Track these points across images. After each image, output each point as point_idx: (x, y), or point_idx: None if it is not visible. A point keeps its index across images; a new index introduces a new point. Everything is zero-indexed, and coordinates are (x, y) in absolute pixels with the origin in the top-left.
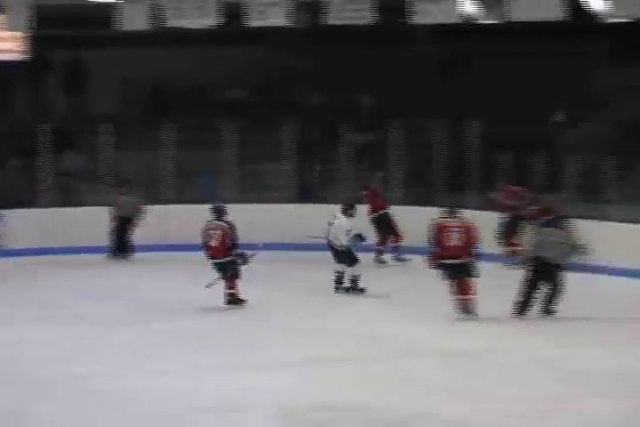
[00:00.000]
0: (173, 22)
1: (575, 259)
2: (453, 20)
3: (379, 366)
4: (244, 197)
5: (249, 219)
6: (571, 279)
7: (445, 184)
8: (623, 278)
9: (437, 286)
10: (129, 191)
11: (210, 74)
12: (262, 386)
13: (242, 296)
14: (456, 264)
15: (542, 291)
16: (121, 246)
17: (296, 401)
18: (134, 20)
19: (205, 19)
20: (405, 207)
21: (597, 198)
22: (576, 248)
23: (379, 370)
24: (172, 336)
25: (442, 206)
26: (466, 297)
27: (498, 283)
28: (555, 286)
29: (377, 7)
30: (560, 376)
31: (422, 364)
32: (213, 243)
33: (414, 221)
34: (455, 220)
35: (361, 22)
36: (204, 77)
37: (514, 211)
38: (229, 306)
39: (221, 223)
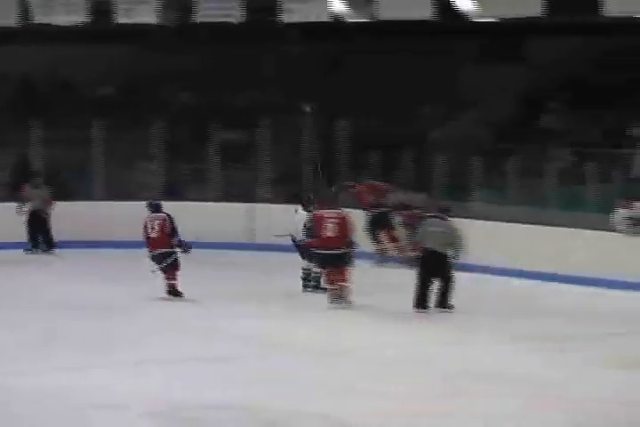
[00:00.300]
0: (42, 19)
1: (455, 253)
2: (323, 18)
3: (259, 364)
4: (111, 195)
5: (116, 216)
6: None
7: (315, 182)
8: (488, 276)
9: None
10: (39, 184)
11: (79, 71)
12: (140, 384)
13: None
14: (333, 254)
15: (436, 285)
16: (37, 241)
17: (172, 399)
18: (2, 15)
19: (74, 16)
20: (275, 205)
21: (465, 197)
22: (457, 241)
23: (259, 369)
24: (56, 335)
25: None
26: (341, 285)
27: (371, 281)
28: (445, 279)
29: (246, 6)
30: (443, 374)
31: (304, 361)
32: (154, 234)
33: (284, 219)
34: (332, 211)
35: (230, 21)
36: (73, 75)
37: (376, 207)
38: (169, 296)
39: (159, 214)
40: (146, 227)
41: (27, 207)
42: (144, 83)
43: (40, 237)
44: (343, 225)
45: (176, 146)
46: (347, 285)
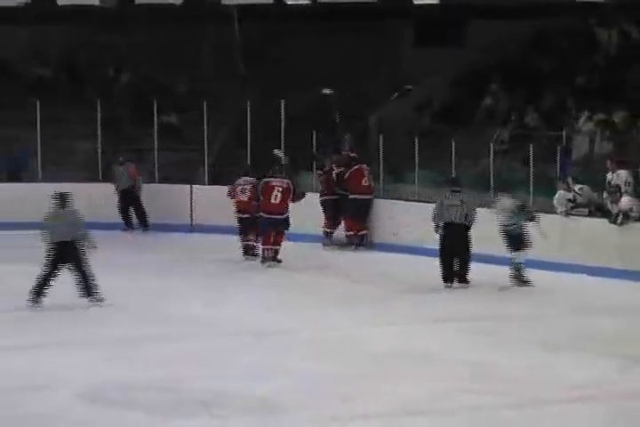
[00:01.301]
0: None
1: (470, 224)
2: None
3: (189, 345)
4: (49, 176)
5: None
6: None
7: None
8: (424, 258)
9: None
10: (123, 162)
11: (18, 51)
12: (68, 364)
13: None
14: (277, 219)
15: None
16: (130, 220)
17: (102, 379)
18: None
19: None
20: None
21: (404, 179)
22: (473, 212)
23: (188, 349)
24: None
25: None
26: (276, 247)
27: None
28: (463, 252)
29: None
30: (373, 355)
31: (240, 342)
32: (243, 197)
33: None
34: (279, 180)
35: (171, 2)
36: (11, 54)
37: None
38: (246, 257)
39: (249, 178)
40: (235, 190)
41: (117, 187)
42: (84, 64)
43: (133, 216)
44: (287, 192)
45: (116, 126)
46: (279, 248)
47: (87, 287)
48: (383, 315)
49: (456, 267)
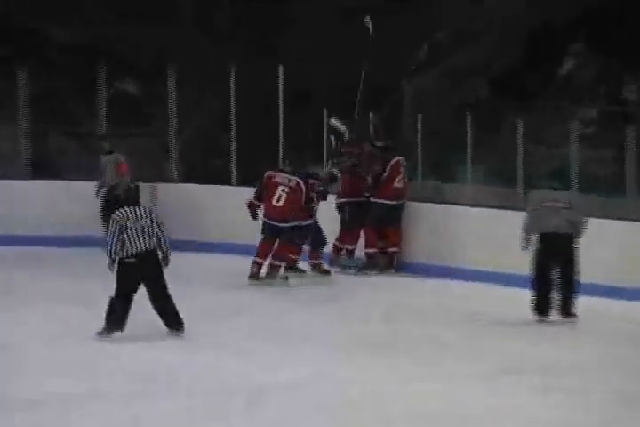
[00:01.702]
0: None
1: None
2: None
3: (170, 402)
4: None
5: None
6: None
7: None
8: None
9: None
10: (112, 148)
11: None
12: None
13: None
14: (279, 227)
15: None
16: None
17: None
18: None
19: None
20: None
21: (449, 175)
22: (583, 219)
23: (166, 408)
24: None
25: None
26: (276, 263)
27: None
28: (568, 273)
29: None
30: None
31: (227, 398)
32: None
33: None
34: (285, 177)
35: None
36: None
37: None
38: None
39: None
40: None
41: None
42: (5, 17)
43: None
44: (295, 195)
45: (49, 101)
46: (280, 265)
47: (167, 314)
48: (425, 365)
49: (556, 294)
